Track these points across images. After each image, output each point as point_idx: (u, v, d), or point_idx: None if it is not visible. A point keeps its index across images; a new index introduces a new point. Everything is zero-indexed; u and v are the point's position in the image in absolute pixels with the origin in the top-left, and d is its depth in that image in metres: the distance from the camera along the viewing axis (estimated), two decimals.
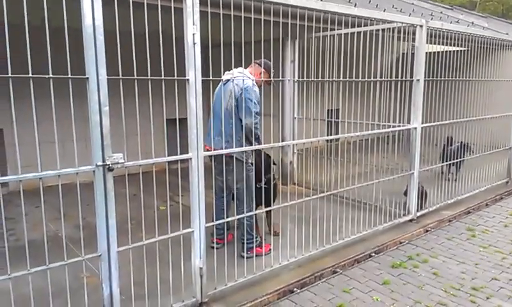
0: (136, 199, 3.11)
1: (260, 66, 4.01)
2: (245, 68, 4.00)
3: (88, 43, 2.40)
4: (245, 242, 3.95)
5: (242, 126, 3.77)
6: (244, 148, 3.71)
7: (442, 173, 6.99)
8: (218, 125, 3.77)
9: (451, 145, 6.62)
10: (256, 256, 3.90)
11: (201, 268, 3.17)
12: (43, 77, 2.25)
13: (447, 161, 6.42)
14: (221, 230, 4.19)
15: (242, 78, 3.76)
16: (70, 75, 2.37)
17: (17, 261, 2.65)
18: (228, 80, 3.74)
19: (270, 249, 4.03)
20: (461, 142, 6.44)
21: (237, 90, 3.74)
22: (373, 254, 4.36)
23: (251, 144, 3.70)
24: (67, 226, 4.59)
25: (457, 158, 6.36)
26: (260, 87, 3.99)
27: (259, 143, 3.90)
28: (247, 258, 3.85)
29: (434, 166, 6.29)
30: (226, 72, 3.76)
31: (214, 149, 3.65)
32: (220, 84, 3.95)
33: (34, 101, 2.29)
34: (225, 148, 3.62)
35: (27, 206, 2.47)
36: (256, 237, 4.04)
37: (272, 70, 4.07)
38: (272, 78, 4.09)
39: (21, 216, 2.52)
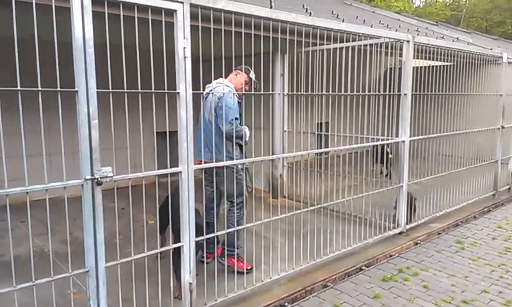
0: (124, 214, 3.08)
1: (236, 70, 4.00)
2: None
3: (78, 55, 2.38)
4: (228, 248, 3.96)
5: (222, 134, 3.76)
6: (232, 162, 3.69)
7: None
8: (204, 138, 3.85)
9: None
10: (228, 266, 3.76)
11: (190, 284, 3.13)
12: (32, 89, 2.23)
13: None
14: (211, 244, 4.15)
15: (221, 88, 3.78)
16: (59, 88, 2.35)
17: (2, 278, 2.59)
18: (208, 93, 3.79)
19: (251, 268, 3.99)
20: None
21: (214, 100, 3.77)
22: (363, 267, 4.35)
23: (240, 146, 3.88)
24: (54, 241, 4.48)
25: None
26: (242, 88, 4.00)
27: (243, 141, 3.93)
28: (226, 266, 3.77)
29: (423, 179, 6.34)
30: (207, 85, 3.79)
31: (204, 161, 3.72)
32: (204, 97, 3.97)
33: (22, 114, 2.26)
34: (215, 159, 3.61)
35: (12, 221, 2.41)
36: (238, 248, 4.00)
37: (250, 70, 4.05)
38: (252, 78, 4.09)
39: (6, 231, 2.47)
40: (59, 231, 4.20)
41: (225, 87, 3.81)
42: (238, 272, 3.86)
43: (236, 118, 3.76)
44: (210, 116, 3.81)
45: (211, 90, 3.73)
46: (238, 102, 3.89)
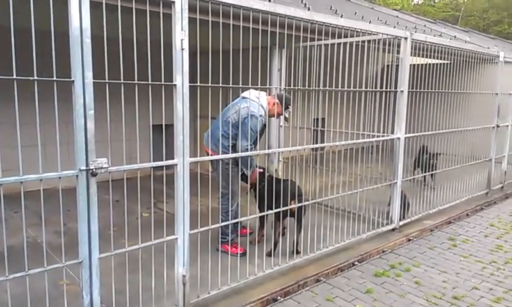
0: (119, 206, 3.07)
1: (277, 98, 4.22)
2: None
3: (75, 45, 2.37)
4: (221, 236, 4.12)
5: (236, 145, 3.98)
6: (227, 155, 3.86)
7: (424, 183, 7.06)
8: (213, 128, 4.16)
9: (426, 154, 6.84)
10: (222, 252, 3.96)
11: (184, 276, 3.14)
12: (27, 79, 2.21)
13: (423, 170, 6.63)
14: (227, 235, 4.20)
15: (256, 104, 3.99)
16: (55, 78, 2.33)
17: None
18: (245, 97, 4.06)
19: (244, 251, 4.14)
20: (432, 153, 6.72)
21: (244, 112, 3.95)
22: (356, 262, 4.38)
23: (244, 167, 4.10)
24: (47, 232, 4.48)
25: (429, 167, 6.61)
26: (273, 116, 4.33)
27: (247, 168, 4.13)
28: (220, 251, 3.94)
29: (417, 176, 6.38)
30: (246, 91, 4.07)
31: (212, 151, 4.11)
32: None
33: (17, 104, 2.25)
34: (211, 149, 4.12)
35: (5, 211, 2.40)
36: (232, 234, 4.18)
37: (288, 105, 4.29)
38: (284, 113, 4.31)
39: None
40: (52, 222, 4.19)
41: (260, 109, 4.02)
42: (231, 264, 3.87)
43: (254, 142, 4.03)
44: (230, 117, 4.00)
45: (247, 98, 4.04)
46: (264, 124, 4.18)
